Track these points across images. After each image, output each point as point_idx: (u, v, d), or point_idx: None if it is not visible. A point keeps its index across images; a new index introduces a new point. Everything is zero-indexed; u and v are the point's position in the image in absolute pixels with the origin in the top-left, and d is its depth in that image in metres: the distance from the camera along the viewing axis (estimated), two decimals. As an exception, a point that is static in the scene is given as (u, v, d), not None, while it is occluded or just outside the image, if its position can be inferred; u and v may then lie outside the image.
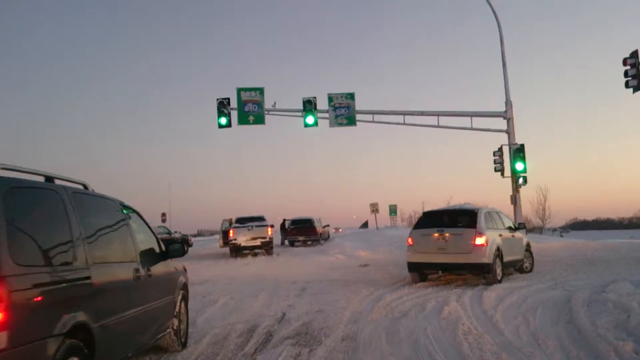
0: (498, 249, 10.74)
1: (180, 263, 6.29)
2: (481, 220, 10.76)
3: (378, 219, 45.67)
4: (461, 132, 22.26)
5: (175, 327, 5.64)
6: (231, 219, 25.87)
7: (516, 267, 12.29)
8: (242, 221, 23.50)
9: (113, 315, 3.86)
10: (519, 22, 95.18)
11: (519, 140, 20.46)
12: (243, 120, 21.21)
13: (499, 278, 10.60)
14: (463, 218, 11.05)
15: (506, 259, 11.10)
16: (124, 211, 4.92)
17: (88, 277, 3.52)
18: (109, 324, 3.76)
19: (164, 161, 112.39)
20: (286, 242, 31.27)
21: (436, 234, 10.74)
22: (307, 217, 31.51)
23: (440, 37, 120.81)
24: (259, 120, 21.38)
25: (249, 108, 21.25)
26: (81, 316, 3.31)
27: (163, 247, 5.57)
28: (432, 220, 11.46)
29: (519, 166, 20.17)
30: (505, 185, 21.01)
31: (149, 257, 5.10)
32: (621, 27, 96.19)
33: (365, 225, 78.31)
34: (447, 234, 10.66)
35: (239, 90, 21.34)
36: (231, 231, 22.95)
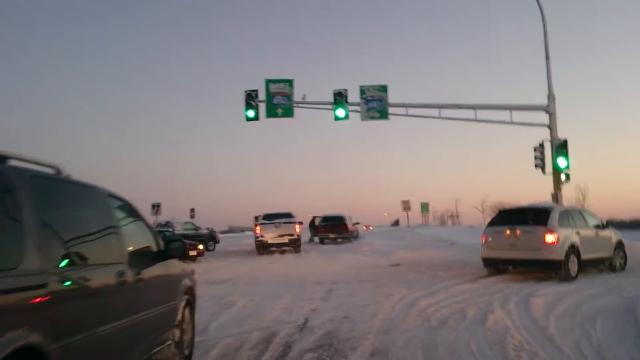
0: (573, 246, 10.94)
1: (190, 264, 5.52)
2: (554, 218, 11.07)
3: (410, 217, 44.48)
4: (499, 127, 21.41)
5: (176, 339, 4.87)
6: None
7: (605, 265, 12.33)
8: (270, 217, 22.84)
9: (83, 332, 3.09)
10: (563, 17, 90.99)
11: (559, 136, 19.16)
12: (271, 113, 20.46)
13: (573, 275, 10.72)
14: (535, 216, 11.38)
15: (585, 256, 11.20)
16: (114, 203, 4.18)
17: (43, 285, 2.76)
18: (76, 344, 2.98)
19: (191, 157, 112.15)
20: (315, 239, 30.55)
21: (508, 231, 11.25)
22: (338, 214, 30.85)
23: (478, 28, 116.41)
24: (288, 113, 20.60)
25: (277, 100, 20.48)
26: (30, 336, 2.55)
27: (162, 246, 4.82)
28: (505, 217, 12.03)
29: (562, 162, 18.84)
30: (545, 182, 19.73)
31: (143, 258, 4.35)
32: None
33: (396, 223, 77.08)
34: (518, 231, 11.15)
35: (268, 81, 20.61)
36: (258, 228, 22.32)
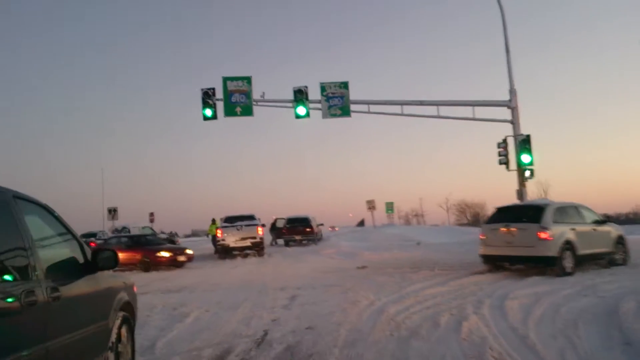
0: (568, 242, 11.02)
1: (130, 275, 4.77)
2: (548, 214, 11.20)
3: (375, 217, 44.19)
4: (462, 124, 21.28)
5: (110, 364, 4.14)
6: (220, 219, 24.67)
7: (606, 260, 12.25)
8: (231, 220, 21.97)
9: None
10: (522, 11, 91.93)
11: (523, 131, 19.06)
12: (230, 111, 19.68)
13: (568, 271, 10.78)
14: (530, 213, 11.63)
15: (581, 252, 11.25)
16: (23, 207, 3.44)
17: None
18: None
19: (148, 160, 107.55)
20: (277, 242, 29.89)
21: (504, 229, 11.45)
22: (303, 215, 30.35)
23: (440, 24, 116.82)
24: (247, 111, 19.85)
25: (236, 99, 19.74)
26: None
27: (89, 257, 4.08)
28: (502, 215, 12.15)
29: (525, 158, 18.73)
30: (510, 179, 19.60)
31: (62, 272, 3.62)
32: (627, 18, 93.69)
33: (361, 223, 76.82)
34: (513, 229, 11.33)
35: (225, 79, 19.83)
36: (219, 231, 21.46)
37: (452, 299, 8.14)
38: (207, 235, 27.14)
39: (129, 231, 23.85)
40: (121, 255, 16.28)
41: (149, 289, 11.45)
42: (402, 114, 20.71)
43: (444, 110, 20.45)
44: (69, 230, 4.03)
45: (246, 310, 8.00)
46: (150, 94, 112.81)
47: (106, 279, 4.41)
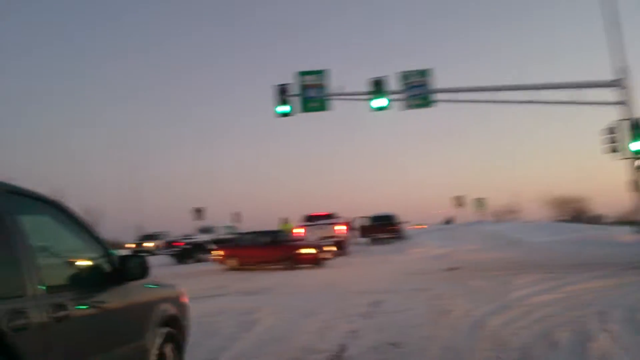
0: None
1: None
2: None
3: (464, 214, 41.91)
4: (560, 111, 18.91)
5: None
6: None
7: None
8: (312, 219, 21.33)
9: None
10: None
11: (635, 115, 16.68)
12: (305, 107, 18.97)
13: None
14: None
15: None
16: (23, 205, 2.74)
17: None
18: None
19: (227, 160, 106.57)
20: (360, 240, 28.97)
21: None
22: (387, 212, 29.30)
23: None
24: (323, 106, 19.07)
25: (311, 93, 19.02)
26: None
27: (117, 264, 3.34)
28: None
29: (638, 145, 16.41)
30: (616, 170, 17.31)
31: (79, 285, 2.91)
32: None
33: (449, 221, 73.84)
34: None
35: (300, 74, 19.16)
36: (302, 230, 20.88)
37: (568, 310, 6.75)
38: None
39: (214, 231, 23.91)
40: (257, 253, 15.62)
41: (228, 291, 11.02)
42: (492, 101, 19.03)
43: (541, 95, 18.56)
44: (89, 233, 3.30)
45: (323, 318, 7.10)
46: (225, 90, 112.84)
47: (142, 289, 3.65)
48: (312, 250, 16.17)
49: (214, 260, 17.60)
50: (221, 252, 17.41)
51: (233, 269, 16.31)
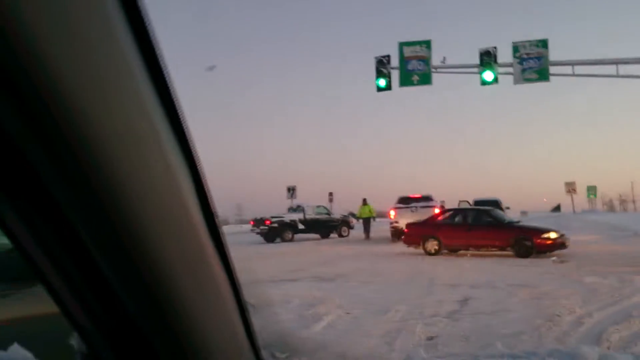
0: None
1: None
2: None
3: (574, 202, 38.54)
4: None
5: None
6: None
7: None
8: (406, 201, 20.30)
9: None
10: None
11: None
12: (406, 81, 17.88)
13: None
14: None
15: None
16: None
17: None
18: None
19: (324, 136, 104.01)
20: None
21: None
22: (492, 198, 27.52)
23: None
24: (425, 80, 17.86)
25: (413, 66, 17.84)
26: None
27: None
28: None
29: None
30: None
31: None
32: None
33: (557, 208, 69.01)
34: None
35: (402, 45, 18.01)
36: (392, 212, 19.97)
37: None
38: (357, 219, 24.29)
39: (303, 210, 23.68)
40: (469, 235, 13.26)
41: (302, 275, 10.40)
42: (617, 75, 16.73)
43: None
44: None
45: (397, 317, 6.19)
46: (321, 65, 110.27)
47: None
48: (553, 235, 13.04)
49: (404, 242, 15.12)
50: (415, 232, 14.91)
51: (429, 254, 14.00)
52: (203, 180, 0.69)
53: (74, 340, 0.78)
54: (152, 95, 0.58)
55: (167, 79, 0.60)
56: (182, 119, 0.64)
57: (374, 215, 24.12)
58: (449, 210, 16.36)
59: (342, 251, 16.64)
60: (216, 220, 0.73)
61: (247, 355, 0.91)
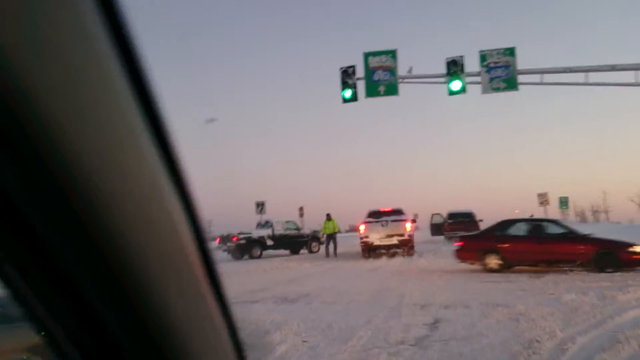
0: None
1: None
2: None
3: (547, 214, 38.56)
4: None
5: None
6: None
7: None
8: (376, 215, 19.64)
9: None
10: None
11: None
12: (372, 91, 17.34)
13: None
14: None
15: None
16: None
17: None
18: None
19: (292, 149, 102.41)
20: (432, 239, 27.08)
21: None
22: (466, 210, 27.47)
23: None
24: (392, 90, 17.34)
25: (378, 76, 17.33)
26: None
27: None
28: None
29: None
30: None
31: None
32: None
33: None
34: None
35: (367, 55, 17.50)
36: (362, 226, 19.28)
37: None
38: (322, 234, 22.74)
39: (272, 226, 22.82)
40: (549, 249, 11.82)
41: (263, 296, 9.60)
42: (587, 83, 16.52)
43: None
44: None
45: (359, 345, 5.47)
46: (287, 77, 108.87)
47: None
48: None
49: (459, 258, 13.59)
50: (472, 246, 13.45)
51: (491, 270, 12.55)
52: (193, 204, 0.67)
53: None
54: (142, 124, 0.57)
55: (158, 113, 0.60)
56: (172, 143, 0.63)
57: (338, 230, 22.70)
58: (505, 221, 14.29)
59: (310, 268, 15.87)
60: (206, 245, 0.70)
61: None
